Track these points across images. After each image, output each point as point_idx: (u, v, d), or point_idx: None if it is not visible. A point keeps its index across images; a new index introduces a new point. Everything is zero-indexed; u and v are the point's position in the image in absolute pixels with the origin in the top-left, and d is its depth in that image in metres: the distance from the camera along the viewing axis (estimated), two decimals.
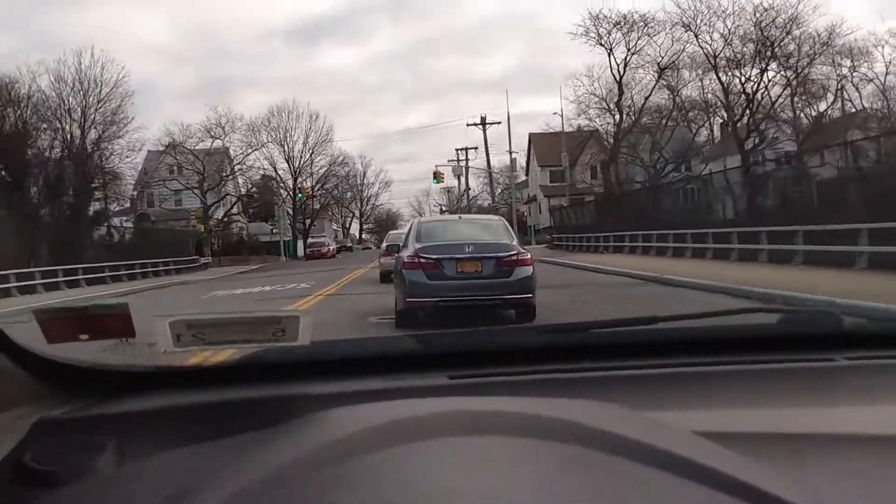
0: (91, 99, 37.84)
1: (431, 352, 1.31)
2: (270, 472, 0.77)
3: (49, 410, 1.07)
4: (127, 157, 39.86)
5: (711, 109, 41.67)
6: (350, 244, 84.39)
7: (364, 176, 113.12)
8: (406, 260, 9.30)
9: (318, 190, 69.04)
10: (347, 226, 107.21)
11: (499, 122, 58.64)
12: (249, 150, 55.28)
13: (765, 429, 0.98)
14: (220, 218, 55.47)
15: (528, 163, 71.12)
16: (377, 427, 0.84)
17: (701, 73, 37.77)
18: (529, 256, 9.56)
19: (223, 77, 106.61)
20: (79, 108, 37.12)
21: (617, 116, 41.67)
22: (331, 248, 60.59)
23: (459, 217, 13.58)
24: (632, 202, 34.96)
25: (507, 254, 9.24)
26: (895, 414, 1.06)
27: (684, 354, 1.32)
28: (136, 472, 0.95)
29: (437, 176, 47.05)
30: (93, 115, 37.64)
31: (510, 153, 46.63)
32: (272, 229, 63.50)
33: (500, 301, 9.06)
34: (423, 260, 9.10)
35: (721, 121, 43.82)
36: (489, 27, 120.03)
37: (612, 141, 43.66)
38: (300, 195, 58.36)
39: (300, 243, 62.80)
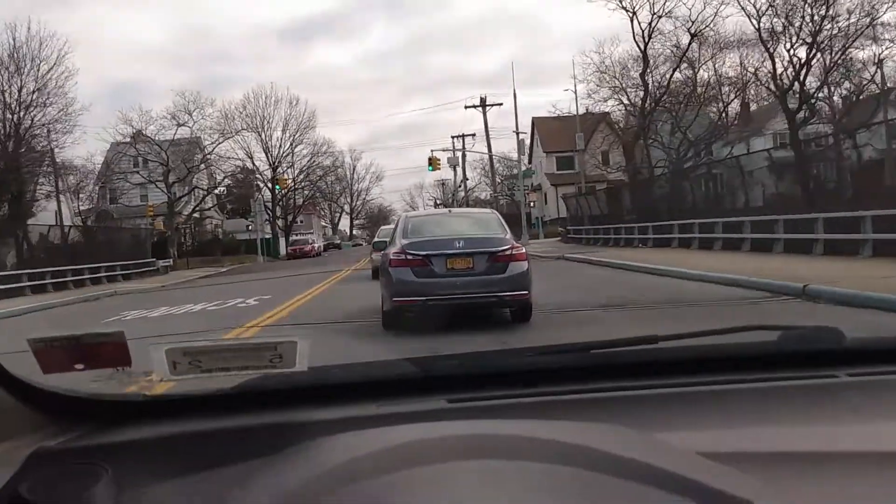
0: (27, 77, 32.13)
1: (430, 375, 1.30)
2: (272, 499, 0.78)
3: (46, 441, 1.05)
4: (63, 145, 34.16)
5: (746, 83, 35.92)
6: (339, 241, 79.00)
7: (354, 170, 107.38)
8: (393, 257, 8.73)
9: (302, 182, 63.11)
10: (336, 222, 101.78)
11: (500, 104, 52.93)
12: (221, 139, 49.54)
13: (769, 448, 0.97)
14: (189, 214, 49.45)
15: (531, 150, 65.43)
16: (378, 453, 0.84)
17: (737, 43, 32.35)
18: (524, 251, 9.00)
19: (218, 77, 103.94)
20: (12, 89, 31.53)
21: (642, 91, 36.04)
22: (316, 245, 55.21)
23: (449, 211, 13.17)
24: (671, 186, 29.28)
25: (500, 249, 8.68)
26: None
27: (686, 374, 1.30)
28: (134, 503, 0.94)
29: (433, 162, 41.23)
30: (29, 97, 31.87)
31: (517, 133, 40.85)
32: (248, 226, 57.71)
33: (494, 299, 8.56)
34: (410, 257, 8.57)
35: (742, 100, 38.11)
36: (483, 23, 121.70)
37: (627, 122, 38.05)
38: (278, 187, 52.21)
39: (283, 241, 56.94)
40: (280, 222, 61.19)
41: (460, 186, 72.27)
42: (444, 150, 51.48)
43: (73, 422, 1.13)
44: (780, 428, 1.09)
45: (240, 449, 1.01)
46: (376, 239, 18.84)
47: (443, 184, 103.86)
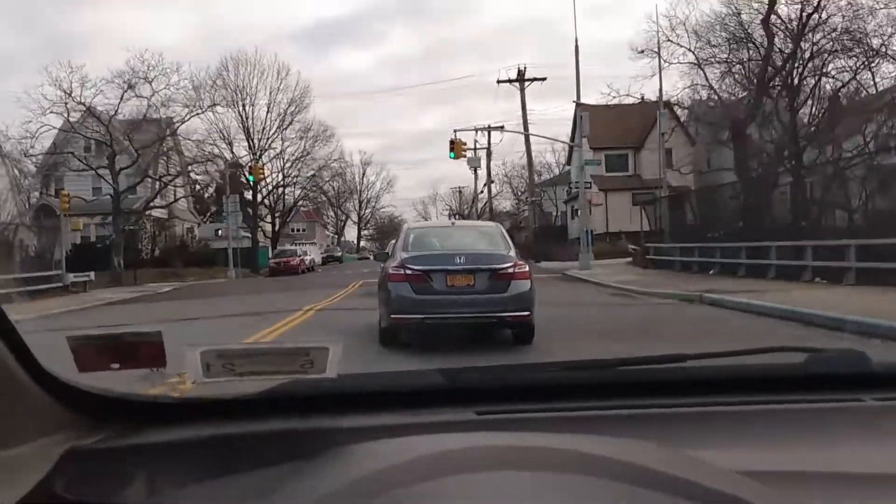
0: None
1: (458, 386, 1.30)
2: None
3: (79, 440, 1.06)
4: None
5: None
6: (339, 253, 68.29)
7: (364, 174, 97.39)
8: (391, 271, 8.43)
9: (294, 176, 52.40)
10: (338, 231, 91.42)
11: (543, 79, 42.29)
12: (188, 115, 37.95)
13: (793, 468, 0.98)
14: (140, 212, 38.82)
15: (570, 147, 54.74)
16: (407, 462, 0.84)
17: None
18: (528, 269, 8.59)
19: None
20: None
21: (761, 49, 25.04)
22: (307, 258, 44.71)
23: (453, 223, 13.86)
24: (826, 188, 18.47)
25: (502, 266, 8.29)
26: None
27: (713, 393, 1.30)
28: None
29: (455, 148, 30.93)
30: None
31: (577, 104, 30.01)
32: (217, 231, 47.14)
33: (494, 319, 8.20)
34: (409, 272, 8.20)
35: None
36: (503, 32, 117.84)
37: (716, 101, 27.23)
38: (252, 178, 41.14)
39: (265, 251, 46.43)
40: (264, 226, 50.95)
41: (482, 192, 61.62)
42: (466, 149, 41.63)
43: (106, 421, 1.13)
44: (804, 450, 1.10)
45: (268, 454, 1.02)
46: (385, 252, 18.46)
47: (459, 192, 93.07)
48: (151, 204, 39.19)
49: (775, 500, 0.79)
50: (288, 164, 50.73)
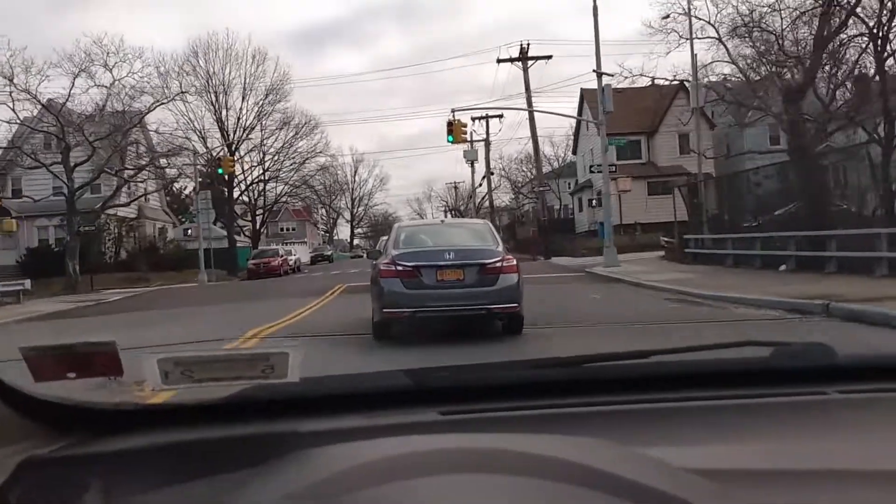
0: None
1: (423, 387, 1.30)
2: None
3: (36, 450, 1.05)
4: None
5: None
6: (329, 252, 64.06)
7: (356, 172, 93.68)
8: (382, 268, 8.74)
9: (275, 170, 48.04)
10: (329, 229, 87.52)
11: (548, 57, 38.01)
12: (153, 105, 33.33)
13: (758, 465, 0.97)
14: (99, 210, 34.19)
15: (577, 133, 50.67)
16: (369, 464, 0.84)
17: None
18: (515, 263, 8.84)
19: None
20: None
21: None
22: (291, 258, 40.66)
23: (442, 221, 14.03)
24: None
25: (490, 260, 8.60)
26: (888, 448, 1.05)
27: (677, 389, 1.30)
28: None
29: (454, 130, 26.19)
30: None
31: (598, 76, 25.28)
32: (187, 230, 42.82)
33: (483, 311, 8.49)
34: (400, 268, 8.51)
35: None
36: (496, 32, 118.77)
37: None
38: (220, 171, 36.66)
39: (246, 252, 42.18)
40: (241, 225, 46.78)
41: (480, 185, 57.59)
42: (465, 131, 37.53)
43: (64, 430, 1.12)
44: (768, 445, 1.09)
45: (230, 459, 1.01)
46: (379, 248, 18.30)
47: (455, 187, 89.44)
48: (113, 202, 34.74)
49: (721, 498, 0.79)
50: (269, 158, 46.63)
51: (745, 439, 1.11)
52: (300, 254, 46.35)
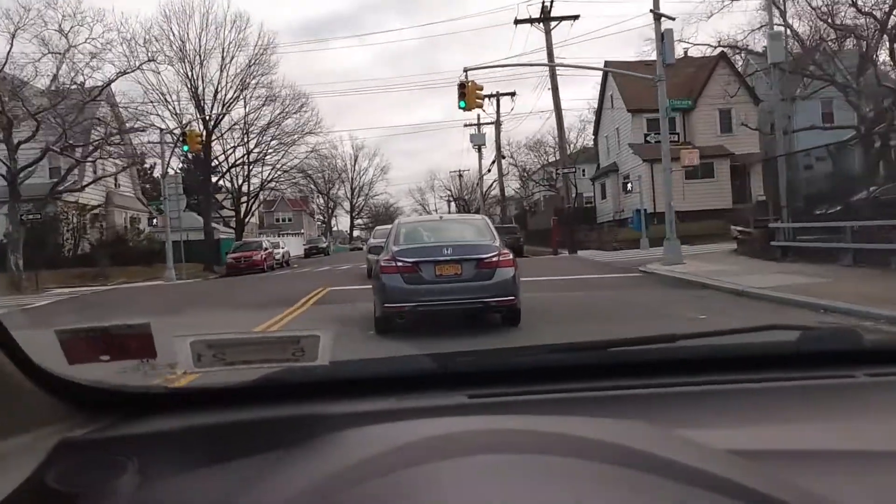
0: None
1: (450, 371, 1.31)
2: (294, 491, 0.78)
3: (71, 432, 1.06)
4: None
5: None
6: (325, 244, 59.24)
7: (356, 160, 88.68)
8: (384, 264, 8.98)
9: (260, 152, 42.96)
10: (327, 220, 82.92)
11: (574, 17, 32.92)
12: (116, 75, 28.50)
13: (787, 446, 0.98)
14: (46, 196, 28.99)
15: (599, 110, 45.65)
16: (401, 446, 0.84)
17: None
18: (512, 257, 9.05)
19: None
20: None
21: None
22: (277, 252, 35.90)
23: (440, 217, 13.70)
24: None
25: (487, 255, 8.81)
26: None
27: (705, 372, 1.30)
28: (158, 493, 0.95)
29: (468, 94, 20.40)
30: None
31: (656, 18, 19.72)
32: (152, 219, 37.93)
33: (481, 305, 8.70)
34: (400, 264, 8.74)
35: None
36: (499, 22, 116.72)
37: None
38: (186, 148, 31.27)
39: (229, 244, 37.30)
40: (223, 214, 41.86)
41: (489, 171, 52.73)
42: (481, 96, 32.38)
43: (98, 413, 1.13)
44: (798, 426, 1.09)
45: (261, 441, 1.02)
46: (371, 240, 19.45)
47: (460, 175, 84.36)
48: (66, 187, 29.75)
49: (763, 478, 0.79)
50: (252, 137, 41.33)
51: (775, 421, 1.11)
52: (293, 246, 41.66)
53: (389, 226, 12.49)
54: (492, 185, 67.33)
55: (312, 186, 73.08)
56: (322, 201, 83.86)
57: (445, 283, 8.56)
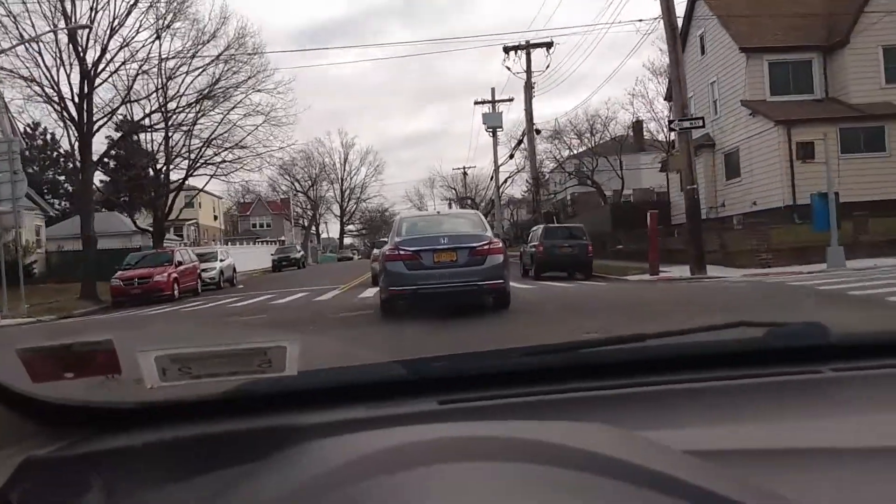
0: None
1: (419, 377, 1.30)
2: (264, 502, 0.78)
3: (36, 450, 1.05)
4: None
5: None
6: (299, 254, 46.46)
7: (346, 160, 77.67)
8: (388, 252, 10.22)
9: (179, 110, 28.97)
10: (308, 225, 70.75)
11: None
12: None
13: (755, 445, 0.98)
14: None
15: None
16: (369, 456, 0.84)
17: None
18: (501, 245, 10.43)
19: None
20: None
21: None
22: (208, 267, 23.69)
23: (438, 213, 15.69)
24: None
25: (479, 244, 10.04)
26: (883, 425, 1.06)
27: (674, 371, 1.30)
28: None
29: None
30: None
31: None
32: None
33: (474, 287, 9.87)
34: (402, 252, 9.97)
35: None
36: (499, 30, 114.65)
37: None
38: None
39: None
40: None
41: (512, 156, 41.15)
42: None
43: (64, 430, 1.12)
44: (765, 424, 1.09)
45: (229, 454, 1.01)
46: (376, 251, 18.59)
47: (464, 173, 73.27)
48: None
49: (722, 479, 0.79)
50: (158, 89, 27.30)
51: (742, 419, 1.11)
52: (228, 259, 28.77)
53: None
54: (506, 180, 54.04)
55: (290, 183, 60.47)
56: (304, 199, 71.95)
57: (442, 268, 9.89)
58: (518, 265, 22.43)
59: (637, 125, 47.65)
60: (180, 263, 22.30)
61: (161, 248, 25.57)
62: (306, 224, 70.06)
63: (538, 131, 33.20)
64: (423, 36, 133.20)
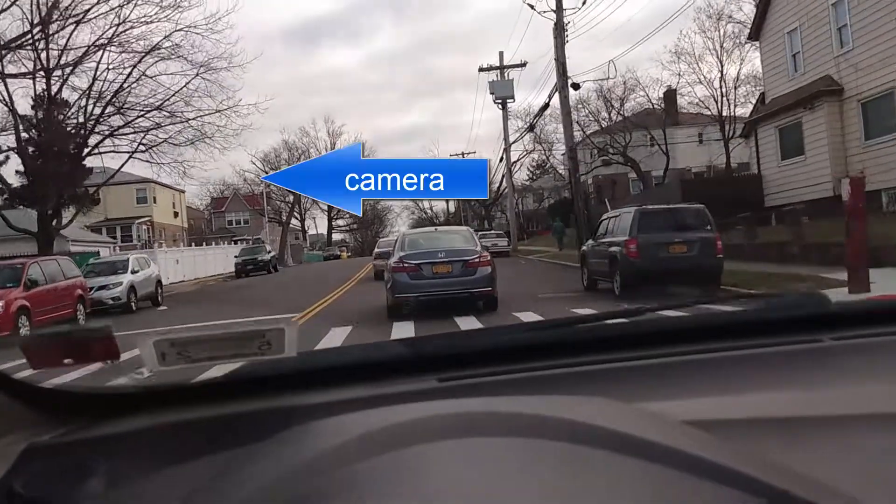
0: None
1: (419, 355, 1.31)
2: (267, 481, 0.79)
3: (38, 437, 1.06)
4: None
5: None
6: (267, 256, 38.35)
7: (333, 147, 68.62)
8: (393, 265, 12.44)
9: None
10: (286, 220, 62.64)
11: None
12: None
13: (754, 414, 0.98)
14: None
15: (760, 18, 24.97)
16: (369, 434, 0.85)
17: None
18: (490, 258, 12.56)
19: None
20: None
21: None
22: (105, 285, 14.97)
23: (436, 229, 17.68)
24: None
25: (471, 257, 12.28)
26: (882, 392, 1.06)
27: (671, 344, 1.30)
28: (128, 494, 0.95)
29: None
30: None
31: None
32: None
33: (467, 294, 12.18)
34: (406, 264, 12.21)
35: None
36: (490, 23, 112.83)
37: None
38: None
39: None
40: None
41: (524, 134, 33.35)
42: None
43: (66, 417, 1.12)
44: (765, 394, 1.09)
45: (230, 436, 1.02)
46: (377, 249, 23.96)
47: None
48: None
49: (720, 448, 0.80)
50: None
51: (743, 390, 1.11)
52: (151, 269, 20.68)
53: (391, 238, 17.63)
54: (517, 161, 45.72)
55: (264, 171, 52.89)
56: (285, 192, 64.41)
57: (440, 278, 12.10)
58: (581, 271, 14.54)
59: (669, 94, 39.31)
60: (34, 284, 14.24)
61: (10, 260, 17.42)
62: (280, 220, 61.79)
63: (576, 86, 24.94)
64: (414, 31, 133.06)
